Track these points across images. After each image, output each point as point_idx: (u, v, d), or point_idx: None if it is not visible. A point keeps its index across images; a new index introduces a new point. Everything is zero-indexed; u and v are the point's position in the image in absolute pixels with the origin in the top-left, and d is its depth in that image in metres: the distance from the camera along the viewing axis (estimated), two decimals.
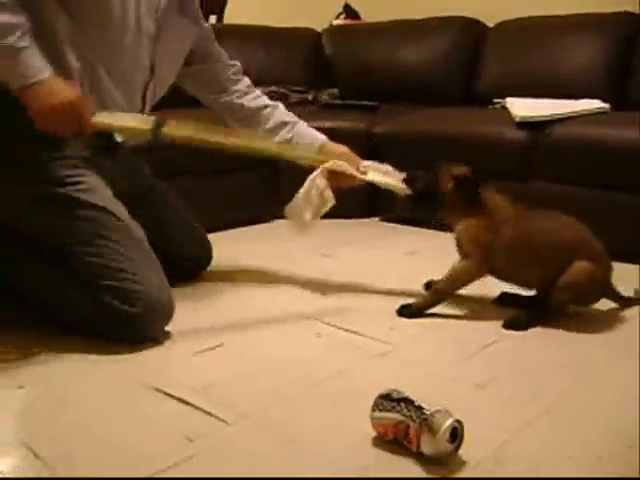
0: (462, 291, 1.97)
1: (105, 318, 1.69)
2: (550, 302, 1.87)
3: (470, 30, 3.67)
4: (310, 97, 3.58)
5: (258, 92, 2.20)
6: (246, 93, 2.17)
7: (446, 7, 3.75)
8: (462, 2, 3.80)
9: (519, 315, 1.90)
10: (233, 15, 4.26)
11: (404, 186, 1.98)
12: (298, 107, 3.37)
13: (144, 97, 1.96)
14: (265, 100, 2.19)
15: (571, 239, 1.89)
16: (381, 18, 3.98)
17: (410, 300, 1.98)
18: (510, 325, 1.86)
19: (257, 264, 2.42)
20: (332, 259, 2.51)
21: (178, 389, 1.45)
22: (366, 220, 3.17)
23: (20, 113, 1.63)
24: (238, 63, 2.21)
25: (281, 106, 2.19)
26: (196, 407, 1.38)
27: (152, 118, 1.83)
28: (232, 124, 2.17)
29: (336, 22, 4.31)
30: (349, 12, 4.36)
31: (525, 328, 1.85)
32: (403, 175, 2.01)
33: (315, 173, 2.00)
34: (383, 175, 2.05)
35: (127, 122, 1.81)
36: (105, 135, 1.88)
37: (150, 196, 2.11)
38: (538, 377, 1.57)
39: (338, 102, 3.49)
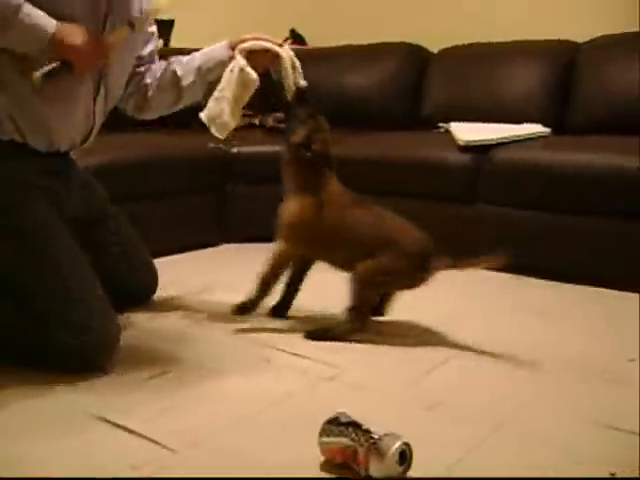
0: (404, 314, 2.02)
1: (51, 349, 1.65)
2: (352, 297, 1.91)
3: (414, 56, 3.72)
4: (256, 121, 3.57)
5: (160, 64, 2.06)
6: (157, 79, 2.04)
7: (391, 33, 3.80)
8: (406, 28, 3.86)
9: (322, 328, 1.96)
10: (179, 39, 4.25)
11: (292, 92, 2.01)
12: (245, 131, 3.38)
13: (93, 113, 1.88)
14: (165, 68, 2.04)
15: (390, 235, 1.92)
16: (327, 44, 4.01)
17: None
18: (314, 336, 1.93)
19: (204, 289, 2.39)
20: (279, 283, 2.49)
21: (123, 418, 1.43)
22: None
23: None
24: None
25: (174, 62, 2.04)
26: (141, 435, 1.36)
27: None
28: (162, 105, 2.09)
29: None
30: (295, 37, 4.39)
31: (326, 339, 1.92)
32: (304, 83, 2.04)
33: (232, 63, 1.90)
34: (292, 65, 1.99)
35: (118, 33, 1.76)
36: (60, 157, 1.85)
37: (102, 221, 2.07)
38: (487, 396, 1.58)
39: (284, 126, 3.48)
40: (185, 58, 2.03)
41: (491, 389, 1.62)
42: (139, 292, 2.17)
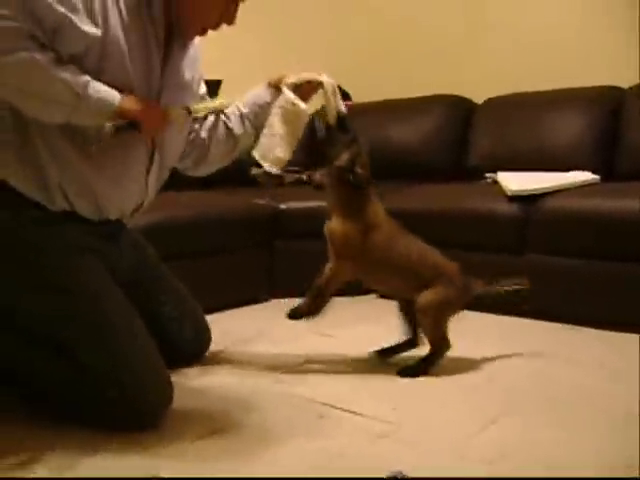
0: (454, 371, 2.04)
1: (103, 407, 1.67)
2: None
3: (459, 107, 3.76)
4: (305, 177, 3.61)
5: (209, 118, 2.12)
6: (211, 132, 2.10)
7: (434, 86, 3.85)
8: (450, 81, 3.90)
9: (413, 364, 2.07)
10: (228, 98, 4.35)
11: (344, 109, 2.08)
12: (293, 187, 3.43)
13: (147, 183, 1.90)
14: (215, 121, 2.11)
15: (437, 263, 2.08)
16: (371, 99, 4.07)
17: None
18: (406, 373, 2.04)
19: (255, 345, 2.40)
20: (332, 339, 2.49)
21: (181, 474, 1.43)
22: (362, 297, 3.16)
23: (22, 203, 1.67)
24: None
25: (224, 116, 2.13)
26: None
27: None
28: (219, 157, 2.15)
29: None
30: (341, 94, 4.45)
31: (420, 373, 2.03)
32: (344, 110, 2.10)
33: (279, 99, 1.99)
34: (332, 92, 2.06)
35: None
36: (109, 221, 1.88)
37: (154, 281, 2.10)
38: (547, 451, 1.54)
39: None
40: (231, 108, 2.11)
41: (550, 444, 1.58)
42: (192, 350, 2.18)
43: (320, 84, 2.03)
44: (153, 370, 1.72)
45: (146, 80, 1.77)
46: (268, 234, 3.16)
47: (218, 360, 2.24)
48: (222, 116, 2.11)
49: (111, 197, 1.82)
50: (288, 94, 1.98)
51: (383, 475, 1.29)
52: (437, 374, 2.07)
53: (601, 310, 2.50)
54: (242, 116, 2.11)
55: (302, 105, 1.99)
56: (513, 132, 3.43)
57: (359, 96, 4.35)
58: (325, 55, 4.55)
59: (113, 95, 1.66)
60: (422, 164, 3.66)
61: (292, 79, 2.02)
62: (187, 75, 1.94)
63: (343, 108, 2.10)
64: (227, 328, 2.49)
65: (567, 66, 3.59)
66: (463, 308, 2.10)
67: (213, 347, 2.26)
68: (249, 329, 2.60)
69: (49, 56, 1.57)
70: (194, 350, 2.20)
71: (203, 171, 2.18)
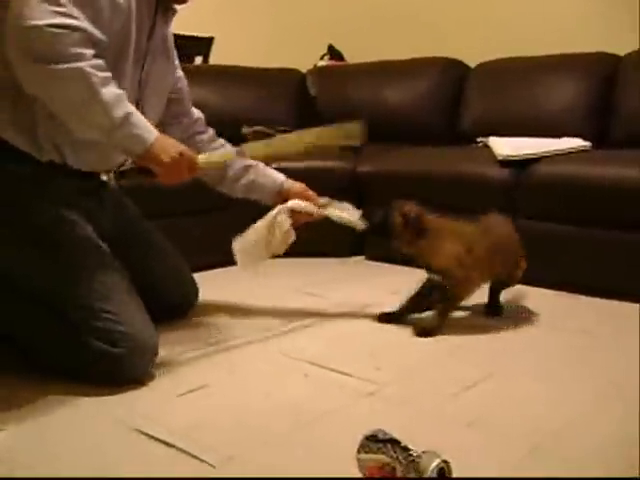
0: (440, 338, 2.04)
1: (88, 359, 1.67)
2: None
3: (452, 70, 3.71)
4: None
5: (221, 141, 2.21)
6: (209, 142, 2.17)
7: (428, 48, 3.81)
8: (444, 43, 3.87)
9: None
10: (218, 56, 4.31)
11: (360, 222, 2.11)
12: None
13: None
14: (227, 148, 2.18)
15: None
16: (365, 59, 4.03)
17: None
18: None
19: (242, 304, 2.41)
20: (318, 298, 2.50)
21: (161, 431, 1.43)
22: (352, 259, 3.17)
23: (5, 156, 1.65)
24: (202, 115, 2.22)
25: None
26: (180, 450, 1.36)
27: (233, 149, 2.02)
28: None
29: (320, 63, 4.36)
30: (333, 53, 4.42)
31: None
32: (359, 212, 2.13)
33: (276, 210, 2.05)
34: (340, 211, 2.13)
35: (217, 157, 2.00)
36: (90, 176, 1.90)
37: (136, 237, 2.11)
38: (528, 414, 1.55)
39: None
40: (245, 160, 2.14)
41: (531, 407, 1.59)
42: (179, 305, 2.20)
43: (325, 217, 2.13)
44: (138, 322, 1.72)
45: (137, 43, 1.78)
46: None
47: (205, 318, 2.24)
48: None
49: (103, 151, 1.84)
50: (282, 217, 2.04)
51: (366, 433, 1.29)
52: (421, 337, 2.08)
53: (590, 277, 2.51)
54: (249, 180, 2.17)
55: (291, 234, 2.05)
56: (506, 97, 3.40)
57: (353, 56, 4.32)
58: (319, 15, 4.50)
59: (148, 136, 1.66)
60: (414, 127, 3.63)
61: (294, 206, 2.08)
62: (170, 42, 1.99)
63: (356, 215, 2.15)
64: (214, 286, 2.49)
65: (562, 32, 3.56)
66: None
67: (200, 306, 2.27)
68: (236, 288, 2.60)
69: (99, 74, 1.57)
70: (180, 306, 2.21)
71: None
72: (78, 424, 1.49)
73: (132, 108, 1.64)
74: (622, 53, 3.21)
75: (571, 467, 1.32)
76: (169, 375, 1.75)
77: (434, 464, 1.17)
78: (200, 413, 1.55)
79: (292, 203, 2.08)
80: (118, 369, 1.67)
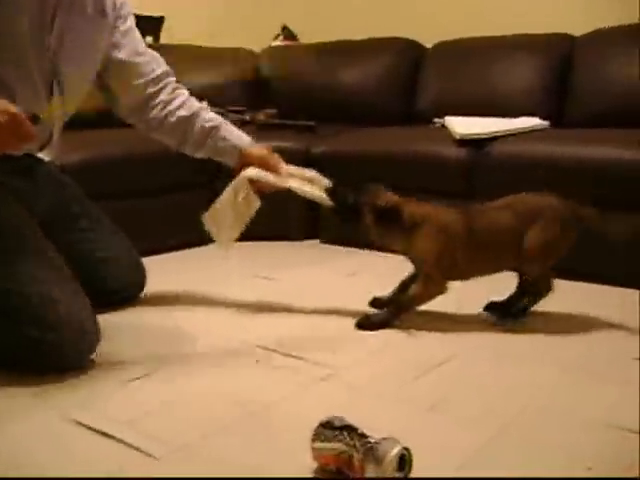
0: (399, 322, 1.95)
1: (24, 347, 1.57)
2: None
3: (408, 51, 3.65)
4: (247, 117, 3.49)
5: (182, 97, 2.04)
6: (166, 104, 2.01)
7: (384, 29, 3.74)
8: (400, 24, 3.79)
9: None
10: (170, 35, 4.17)
11: (326, 198, 1.94)
12: (235, 127, 3.30)
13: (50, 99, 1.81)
14: (186, 109, 2.03)
15: (528, 209, 1.95)
16: (319, 39, 3.94)
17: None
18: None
19: (192, 289, 2.31)
20: (270, 282, 2.42)
21: (101, 422, 1.34)
22: (306, 242, 3.09)
23: None
24: (165, 72, 2.05)
25: (203, 111, 2.06)
26: (120, 441, 1.27)
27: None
28: (159, 137, 2.08)
29: (274, 43, 4.26)
30: (287, 34, 4.32)
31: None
32: (327, 182, 1.97)
33: (236, 180, 1.93)
34: (306, 183, 1.97)
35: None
36: (25, 157, 1.80)
37: (78, 219, 2.01)
38: (491, 397, 1.50)
39: (275, 121, 3.43)
40: (208, 125, 2.02)
41: (494, 390, 1.54)
42: (124, 290, 2.09)
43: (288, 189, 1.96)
44: (76, 307, 1.62)
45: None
46: (209, 175, 3.03)
47: (155, 304, 2.14)
48: (191, 119, 2.02)
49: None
50: (242, 184, 1.92)
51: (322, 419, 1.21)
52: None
53: None
54: (209, 135, 2.03)
55: (253, 200, 1.94)
56: (463, 77, 3.35)
57: (307, 36, 4.22)
58: None
59: None
60: (369, 108, 3.56)
61: (254, 175, 1.93)
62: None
63: (325, 182, 1.98)
64: (165, 271, 2.40)
65: (518, 13, 3.52)
66: (571, 244, 1.97)
67: (150, 291, 2.17)
68: (188, 272, 2.51)
69: None
70: (127, 291, 2.12)
71: (143, 131, 2.09)
72: (13, 416, 1.39)
73: None
74: (577, 34, 3.19)
75: (536, 451, 1.27)
76: (112, 363, 1.65)
77: (394, 451, 1.10)
78: (144, 402, 1.46)
79: (250, 172, 1.93)
80: (56, 357, 1.57)
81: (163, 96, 2.01)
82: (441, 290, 1.93)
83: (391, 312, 1.96)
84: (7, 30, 1.65)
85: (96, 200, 2.13)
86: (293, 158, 3.03)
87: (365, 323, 1.93)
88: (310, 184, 1.97)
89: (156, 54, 2.06)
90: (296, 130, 3.29)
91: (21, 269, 1.59)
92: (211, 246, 2.90)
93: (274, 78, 3.89)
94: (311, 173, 2.00)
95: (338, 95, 3.61)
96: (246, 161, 1.97)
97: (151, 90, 2.00)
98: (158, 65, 2.03)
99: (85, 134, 2.64)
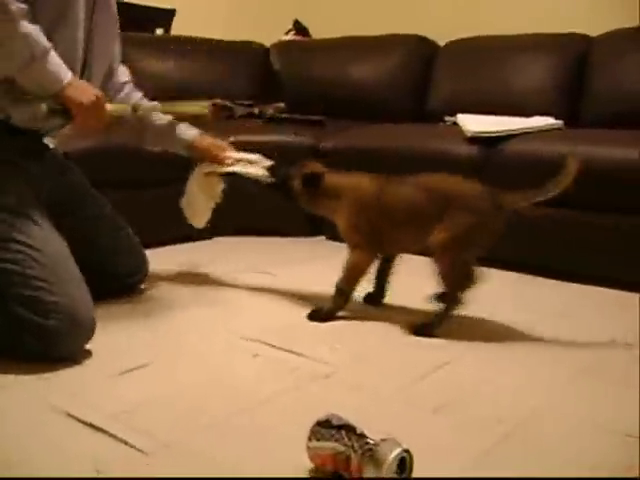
0: (404, 313, 1.93)
1: (17, 331, 1.52)
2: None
3: (421, 48, 3.60)
4: (256, 111, 3.42)
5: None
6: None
7: (397, 25, 3.69)
8: (413, 20, 3.74)
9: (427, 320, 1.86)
10: (181, 27, 4.13)
11: (266, 175, 2.06)
12: (244, 120, 3.25)
13: None
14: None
15: (448, 193, 1.85)
16: (331, 35, 3.89)
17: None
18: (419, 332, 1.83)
19: (194, 282, 2.26)
20: (273, 277, 2.36)
21: (91, 414, 1.29)
22: (312, 239, 3.03)
23: None
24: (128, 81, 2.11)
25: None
26: (109, 434, 1.22)
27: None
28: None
29: (285, 38, 4.21)
30: (299, 28, 4.27)
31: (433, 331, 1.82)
32: (269, 163, 2.09)
33: (194, 173, 2.16)
34: (249, 165, 2.11)
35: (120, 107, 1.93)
36: (34, 137, 1.80)
37: (82, 206, 1.99)
38: (495, 401, 1.44)
39: (284, 116, 3.37)
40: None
41: (498, 393, 1.48)
42: (125, 277, 2.06)
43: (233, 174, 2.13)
44: (74, 294, 1.58)
45: None
46: None
47: (154, 295, 2.10)
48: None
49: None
50: (201, 178, 2.16)
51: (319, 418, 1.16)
52: (383, 318, 1.95)
53: (558, 259, 2.41)
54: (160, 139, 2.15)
55: (220, 184, 2.18)
56: (476, 76, 3.30)
57: (319, 32, 4.18)
58: None
59: (64, 74, 1.64)
60: (380, 105, 3.51)
61: (206, 167, 2.15)
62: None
63: (265, 162, 2.12)
64: (165, 263, 2.35)
65: (534, 12, 3.47)
66: (496, 234, 1.83)
67: (150, 283, 2.13)
68: (188, 265, 2.46)
69: (21, 7, 1.55)
70: (128, 280, 2.08)
71: None
72: (3, 406, 1.34)
73: (49, 45, 1.61)
74: (594, 34, 3.12)
75: (542, 454, 1.21)
76: (107, 353, 1.60)
77: (394, 453, 1.05)
78: (137, 395, 1.40)
79: (203, 168, 2.14)
80: (50, 344, 1.52)
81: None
82: (369, 259, 1.94)
83: (334, 298, 1.93)
84: (68, 12, 1.70)
85: (98, 188, 2.09)
86: (302, 153, 3.02)
87: (315, 315, 1.92)
88: (254, 166, 2.11)
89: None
90: (304, 125, 3.24)
91: (22, 249, 1.56)
92: (210, 241, 2.89)
93: (284, 72, 3.84)
94: (255, 156, 2.14)
95: (349, 91, 3.57)
96: (197, 152, 2.14)
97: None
98: (125, 74, 2.12)
99: None
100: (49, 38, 1.62)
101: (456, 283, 1.83)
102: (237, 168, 2.11)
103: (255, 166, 2.11)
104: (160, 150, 2.18)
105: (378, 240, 1.92)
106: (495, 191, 1.85)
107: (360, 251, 1.93)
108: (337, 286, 1.93)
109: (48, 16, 1.64)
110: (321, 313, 1.92)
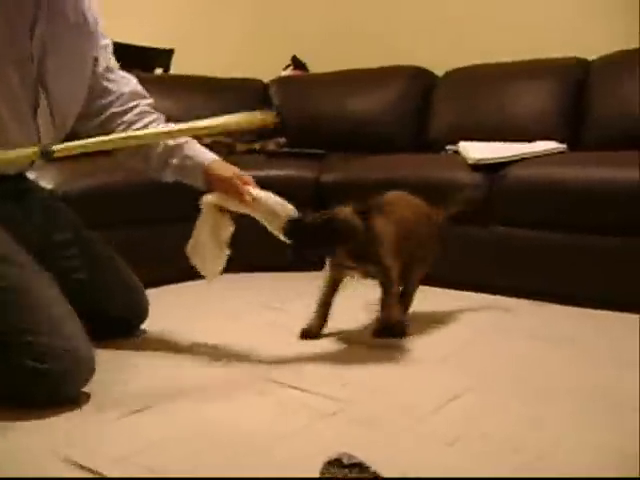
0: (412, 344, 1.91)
1: (15, 377, 1.48)
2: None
3: (419, 79, 3.60)
4: (257, 146, 3.44)
5: (149, 118, 1.94)
6: (131, 124, 1.91)
7: (394, 57, 3.70)
8: (410, 52, 3.75)
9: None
10: (180, 66, 4.15)
11: (281, 233, 1.83)
12: (244, 156, 3.24)
13: (37, 130, 1.75)
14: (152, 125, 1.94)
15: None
16: (329, 69, 3.90)
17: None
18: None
19: (199, 319, 2.22)
20: (282, 313, 2.33)
21: (93, 459, 1.24)
22: (321, 273, 2.99)
23: None
24: (135, 92, 1.96)
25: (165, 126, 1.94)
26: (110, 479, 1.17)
27: (36, 148, 1.62)
28: (125, 161, 2.00)
29: (284, 74, 4.23)
30: (297, 64, 4.29)
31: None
32: (292, 210, 1.85)
33: (203, 209, 1.86)
34: (270, 210, 1.84)
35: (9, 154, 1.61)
36: (14, 179, 1.76)
37: (72, 245, 1.92)
38: (512, 431, 1.38)
39: (284, 150, 3.37)
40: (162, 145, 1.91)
41: (513, 423, 1.43)
42: (124, 321, 2.01)
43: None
44: (69, 335, 1.53)
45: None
46: None
47: (156, 335, 2.05)
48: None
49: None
50: (211, 217, 1.86)
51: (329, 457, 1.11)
52: (390, 351, 1.91)
53: (566, 284, 2.37)
54: (166, 162, 1.93)
55: (226, 221, 1.88)
56: (476, 105, 3.28)
57: (317, 66, 4.19)
58: (282, 24, 4.37)
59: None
60: (380, 137, 3.49)
61: (217, 201, 1.86)
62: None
63: (290, 209, 1.86)
64: (168, 302, 2.31)
65: (531, 38, 3.46)
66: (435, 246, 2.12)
67: (153, 323, 2.08)
68: (193, 304, 2.42)
69: None
70: (127, 322, 2.03)
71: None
72: (1, 452, 1.29)
73: None
74: (592, 57, 3.13)
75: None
76: (109, 397, 1.55)
77: None
78: (140, 438, 1.35)
79: (211, 199, 1.85)
80: (48, 388, 1.48)
81: (129, 117, 1.92)
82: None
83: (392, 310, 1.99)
84: None
85: (96, 229, 2.05)
86: (302, 187, 2.99)
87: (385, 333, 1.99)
88: (274, 211, 1.85)
89: (130, 76, 1.99)
90: (305, 159, 3.23)
91: (10, 297, 1.50)
92: (222, 277, 2.84)
93: (284, 107, 3.85)
94: (276, 199, 1.87)
95: (348, 124, 3.56)
96: (214, 181, 1.87)
97: (115, 110, 1.91)
98: (128, 85, 1.95)
99: (85, 163, 2.58)
100: None
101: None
102: (255, 211, 1.84)
103: (275, 213, 1.84)
104: (170, 179, 1.97)
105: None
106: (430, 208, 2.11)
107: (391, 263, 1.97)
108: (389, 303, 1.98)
109: None
110: (393, 331, 1.99)
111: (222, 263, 1.89)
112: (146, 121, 1.92)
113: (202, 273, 1.91)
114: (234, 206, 1.85)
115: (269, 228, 1.85)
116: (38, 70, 1.71)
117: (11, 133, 1.68)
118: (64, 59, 1.76)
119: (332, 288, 2.06)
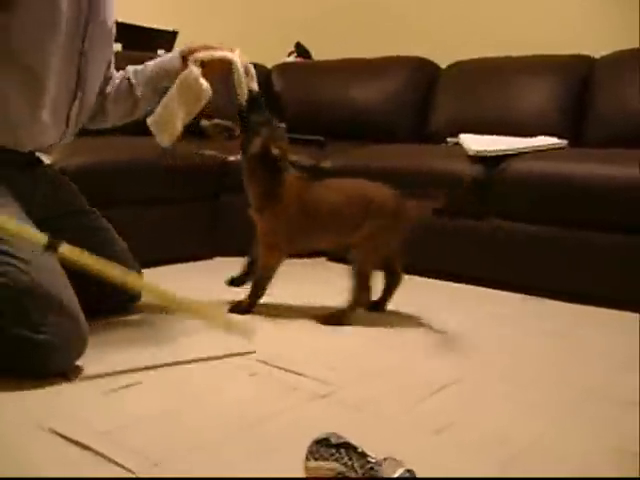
0: (408, 333, 1.89)
1: (5, 346, 1.47)
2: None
3: (422, 70, 3.59)
4: None
5: (118, 74, 2.03)
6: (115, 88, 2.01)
7: (398, 47, 3.68)
8: (414, 43, 3.74)
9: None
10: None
11: (244, 95, 1.97)
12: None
13: (68, 118, 1.83)
14: (122, 78, 2.01)
15: (365, 196, 2.04)
16: (332, 57, 3.89)
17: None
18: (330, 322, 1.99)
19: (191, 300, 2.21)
20: (272, 297, 2.31)
21: (79, 432, 1.23)
22: (313, 259, 2.99)
23: None
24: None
25: (129, 71, 2.02)
26: (97, 453, 1.16)
27: (46, 237, 1.55)
28: (117, 116, 2.06)
29: (287, 60, 4.21)
30: (300, 51, 4.27)
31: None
32: (256, 87, 2.00)
33: (183, 74, 1.86)
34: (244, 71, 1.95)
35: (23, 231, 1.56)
36: (26, 153, 1.79)
37: (75, 221, 1.95)
38: (501, 423, 1.38)
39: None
40: (139, 67, 2.00)
41: (502, 415, 1.42)
42: (120, 298, 1.99)
43: (230, 62, 1.92)
44: (64, 305, 1.52)
45: None
46: (215, 187, 2.96)
47: (151, 314, 2.05)
48: (130, 72, 2.01)
49: (29, 129, 1.74)
50: (194, 70, 1.86)
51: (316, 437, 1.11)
52: (382, 337, 1.91)
53: (561, 279, 2.37)
54: (148, 77, 1.99)
55: (204, 84, 1.87)
56: (478, 97, 3.28)
57: (320, 54, 4.17)
58: (287, 10, 4.35)
59: None
60: (381, 126, 3.49)
61: (202, 54, 1.90)
62: None
63: (255, 87, 2.00)
64: (164, 284, 2.28)
65: (536, 33, 3.46)
66: (402, 235, 2.05)
67: (144, 300, 2.07)
68: (188, 286, 2.39)
69: None
70: (122, 299, 2.01)
71: (100, 124, 2.09)
72: None
73: None
74: (597, 55, 3.12)
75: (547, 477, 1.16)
76: (100, 371, 1.55)
77: (397, 473, 1.00)
78: (128, 413, 1.35)
79: (200, 54, 1.89)
80: (41, 359, 1.47)
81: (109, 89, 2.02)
82: (277, 259, 2.06)
83: (251, 294, 2.08)
84: (49, 20, 1.66)
85: (95, 206, 2.06)
86: (302, 172, 2.98)
87: (236, 310, 2.06)
88: (247, 76, 1.96)
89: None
90: (305, 145, 3.22)
91: (10, 261, 1.50)
92: (211, 261, 2.84)
93: (286, 93, 3.83)
94: (252, 70, 1.99)
95: (350, 112, 3.56)
96: (189, 56, 1.91)
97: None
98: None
99: (88, 140, 2.57)
100: (38, 50, 1.61)
101: (367, 279, 2.04)
102: (236, 59, 1.91)
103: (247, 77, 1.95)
104: (158, 92, 1.97)
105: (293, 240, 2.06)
106: (402, 198, 2.04)
107: (271, 252, 2.05)
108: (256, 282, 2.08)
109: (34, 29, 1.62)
110: (242, 307, 2.07)
111: (179, 129, 1.91)
112: (119, 75, 2.02)
113: (158, 138, 1.93)
114: (217, 53, 1.91)
115: (237, 83, 1.95)
116: (82, 62, 1.79)
117: (44, 122, 1.75)
118: (98, 61, 1.86)
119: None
